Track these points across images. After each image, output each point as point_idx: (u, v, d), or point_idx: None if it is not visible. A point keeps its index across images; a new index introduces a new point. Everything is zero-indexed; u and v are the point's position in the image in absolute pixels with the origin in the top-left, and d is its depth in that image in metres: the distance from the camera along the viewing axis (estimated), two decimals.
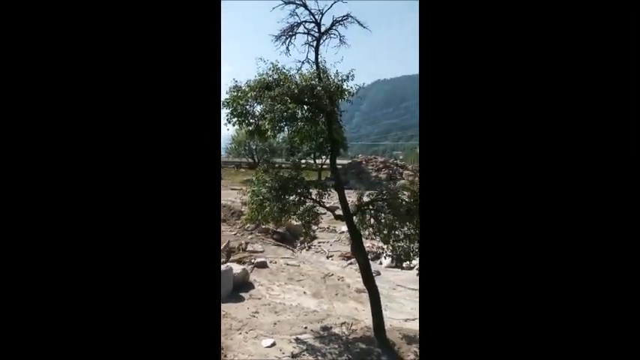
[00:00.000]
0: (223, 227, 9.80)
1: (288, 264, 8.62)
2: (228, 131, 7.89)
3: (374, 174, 30.56)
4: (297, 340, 5.01)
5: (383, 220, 4.77)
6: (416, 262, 4.78)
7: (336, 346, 4.91)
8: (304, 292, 6.95)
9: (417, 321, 5.81)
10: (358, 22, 4.26)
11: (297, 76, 4.53)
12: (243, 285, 6.78)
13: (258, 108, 4.67)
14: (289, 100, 4.36)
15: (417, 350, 4.81)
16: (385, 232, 4.66)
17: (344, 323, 5.62)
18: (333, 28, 4.32)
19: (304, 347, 4.82)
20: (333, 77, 4.60)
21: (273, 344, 4.83)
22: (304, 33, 4.40)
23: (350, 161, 33.80)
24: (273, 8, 4.19)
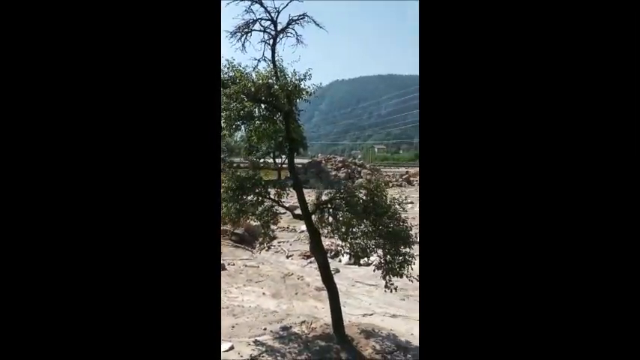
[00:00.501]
0: None
1: (246, 265, 8.47)
2: None
3: (333, 173, 30.98)
4: (255, 342, 4.94)
5: (341, 219, 4.84)
6: (373, 258, 4.90)
7: (296, 346, 4.91)
8: (263, 293, 6.87)
9: (375, 316, 5.99)
10: (314, 22, 4.29)
11: (254, 74, 4.46)
12: None
13: None
14: (245, 99, 4.28)
15: (375, 344, 4.96)
16: (343, 229, 4.74)
17: (304, 322, 5.64)
18: (290, 27, 4.30)
19: (263, 349, 4.77)
20: (290, 76, 4.58)
21: (231, 348, 4.72)
22: (260, 30, 4.34)
23: (310, 160, 33.96)
24: (228, 4, 4.09)
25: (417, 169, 37.11)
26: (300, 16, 4.22)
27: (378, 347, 4.90)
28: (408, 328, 5.49)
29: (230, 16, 4.19)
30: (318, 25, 4.31)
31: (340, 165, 32.69)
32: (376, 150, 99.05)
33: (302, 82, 4.58)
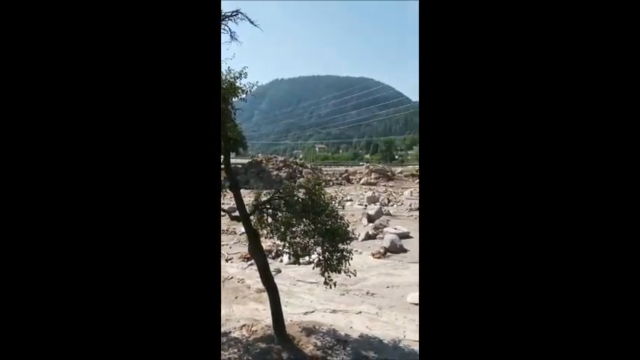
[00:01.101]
0: None
1: None
2: None
3: (274, 173, 30.71)
4: None
5: (280, 219, 4.83)
6: (314, 256, 4.97)
7: (236, 351, 4.79)
8: None
9: (316, 312, 6.08)
10: (249, 20, 4.20)
11: None
12: None
13: None
14: None
15: (316, 341, 5.05)
16: (282, 229, 4.73)
17: (244, 326, 5.52)
18: (223, 22, 4.16)
19: None
20: (225, 74, 4.44)
21: None
22: None
23: (250, 160, 33.23)
24: None
25: (356, 167, 38.48)
26: (233, 12, 4.11)
27: (318, 343, 4.99)
28: (347, 322, 5.69)
29: None
30: (252, 22, 4.23)
31: (282, 165, 32.55)
32: (317, 149, 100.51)
33: (237, 80, 4.47)
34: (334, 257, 4.62)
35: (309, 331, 5.32)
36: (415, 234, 11.87)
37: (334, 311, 6.13)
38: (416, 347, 4.88)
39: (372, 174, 30.61)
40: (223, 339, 5.10)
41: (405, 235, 11.27)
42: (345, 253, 4.66)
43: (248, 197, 5.35)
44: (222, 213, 5.29)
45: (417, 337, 5.20)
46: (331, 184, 28.93)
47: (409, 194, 21.86)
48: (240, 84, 4.51)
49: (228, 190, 5.18)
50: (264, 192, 5.47)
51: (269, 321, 5.24)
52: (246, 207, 5.00)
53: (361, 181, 30.00)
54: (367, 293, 6.95)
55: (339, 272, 4.64)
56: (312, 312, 6.11)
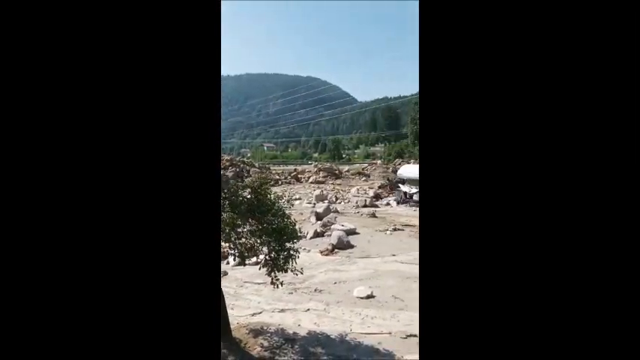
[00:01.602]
0: None
1: None
2: None
3: (220, 172, 29.70)
4: None
5: (224, 219, 4.68)
6: (262, 256, 4.90)
7: None
8: None
9: (264, 313, 6.01)
10: None
11: None
12: None
13: None
14: None
15: (263, 342, 4.99)
16: (227, 230, 4.59)
17: None
18: None
19: None
20: None
21: None
22: None
23: None
24: None
25: (305, 166, 38.69)
26: None
27: (266, 344, 4.93)
28: (295, 320, 5.70)
29: None
30: None
31: (228, 164, 31.61)
32: (265, 148, 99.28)
33: None
34: (281, 256, 4.60)
35: (257, 332, 5.24)
36: (362, 230, 12.27)
37: (282, 310, 6.11)
38: (361, 339, 5.05)
39: (321, 173, 31.03)
40: None
41: (352, 232, 11.58)
42: (291, 252, 4.66)
43: None
44: None
45: (362, 329, 5.38)
46: (280, 183, 28.77)
47: (355, 192, 22.55)
48: None
49: None
50: None
51: None
52: None
53: (310, 180, 30.24)
54: (315, 290, 7.03)
55: (286, 271, 4.63)
56: (260, 313, 6.02)
